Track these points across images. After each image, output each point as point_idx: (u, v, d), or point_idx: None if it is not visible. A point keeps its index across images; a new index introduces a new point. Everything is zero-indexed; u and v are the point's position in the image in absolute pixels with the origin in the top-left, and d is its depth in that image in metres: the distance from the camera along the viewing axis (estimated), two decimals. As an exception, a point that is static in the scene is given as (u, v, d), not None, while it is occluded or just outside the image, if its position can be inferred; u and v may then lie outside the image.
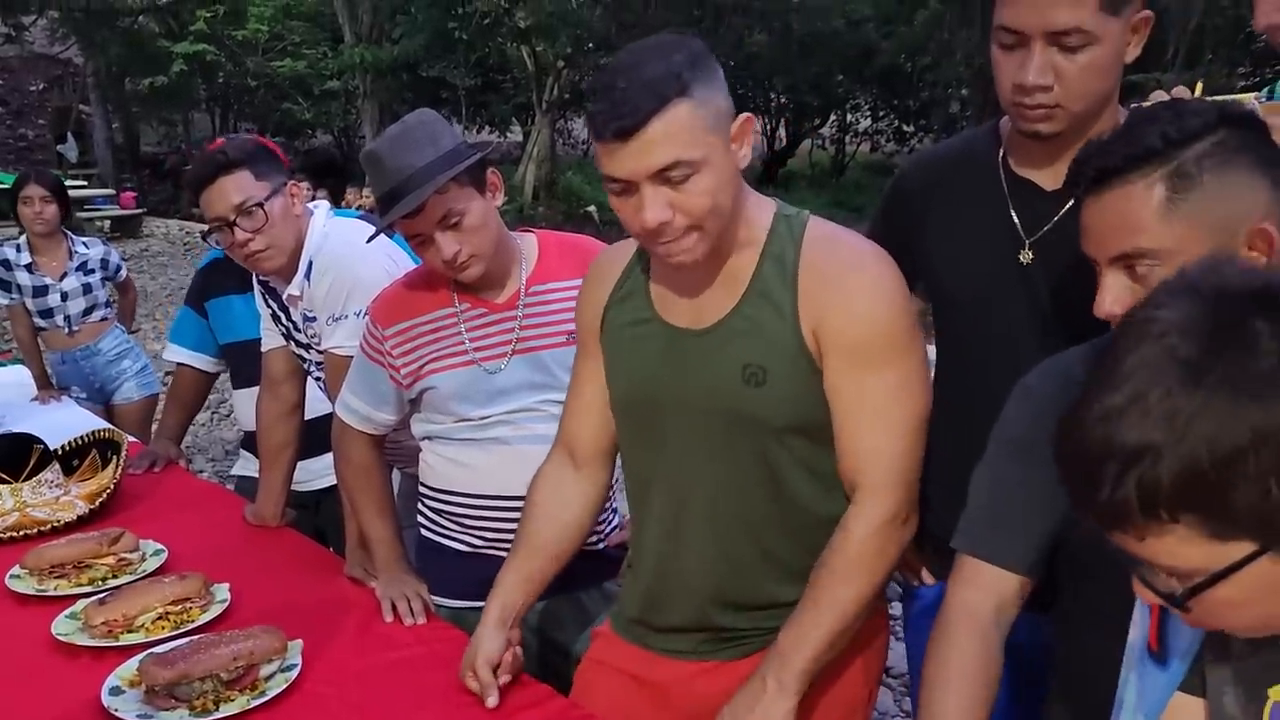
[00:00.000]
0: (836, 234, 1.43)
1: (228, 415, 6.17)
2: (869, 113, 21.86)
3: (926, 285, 1.60)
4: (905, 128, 21.06)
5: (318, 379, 2.30)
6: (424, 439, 1.96)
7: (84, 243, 4.15)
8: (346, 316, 2.05)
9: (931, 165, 1.66)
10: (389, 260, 2.10)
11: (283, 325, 2.26)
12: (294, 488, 2.57)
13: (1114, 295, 1.13)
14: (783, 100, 21.08)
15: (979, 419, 1.33)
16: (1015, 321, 1.48)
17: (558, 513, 1.63)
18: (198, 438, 5.79)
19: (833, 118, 21.70)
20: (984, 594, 1.25)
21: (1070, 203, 1.37)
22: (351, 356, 2.02)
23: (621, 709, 1.56)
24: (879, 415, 1.37)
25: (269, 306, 2.27)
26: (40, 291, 3.94)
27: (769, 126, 20.86)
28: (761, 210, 1.43)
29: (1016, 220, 1.48)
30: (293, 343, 2.26)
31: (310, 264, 2.10)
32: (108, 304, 4.14)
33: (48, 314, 3.99)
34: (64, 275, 3.97)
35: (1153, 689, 0.98)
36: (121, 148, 19.34)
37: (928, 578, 1.68)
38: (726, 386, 1.39)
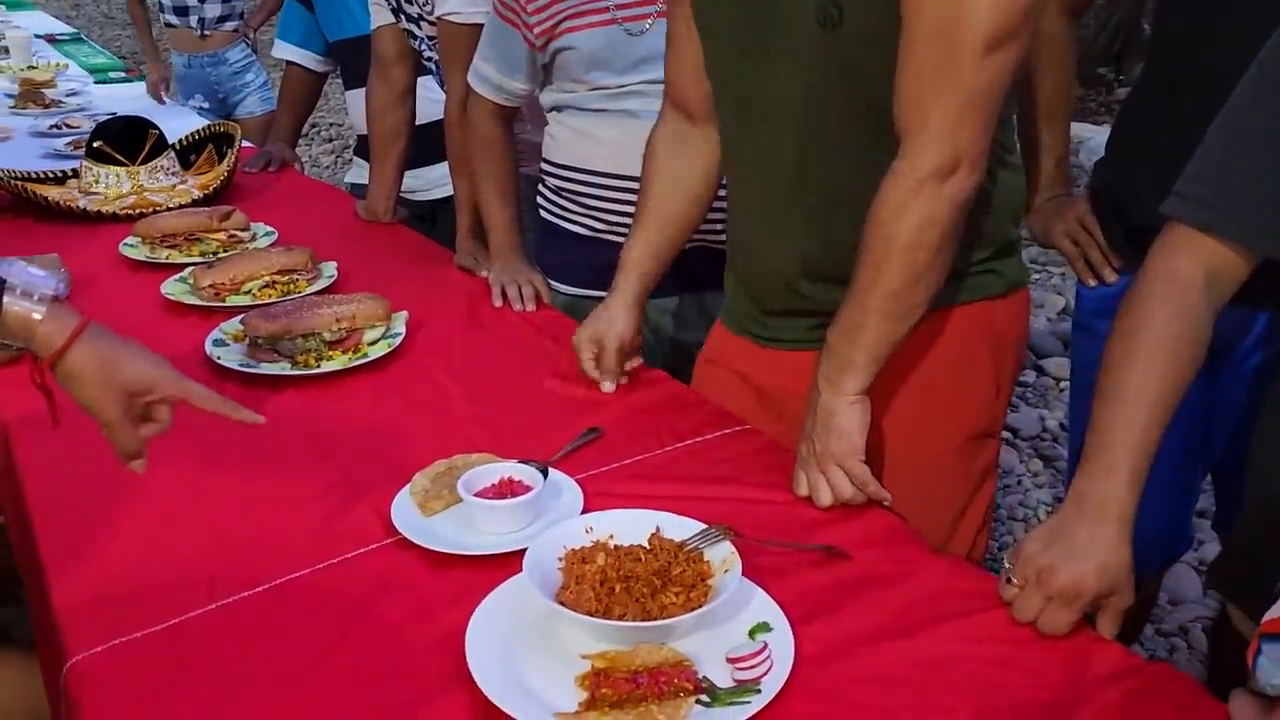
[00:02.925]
0: None
1: (351, 160, 6.14)
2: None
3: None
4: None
5: (428, 59, 2.13)
6: (552, 109, 1.80)
7: None
8: (462, -23, 1.85)
9: None
10: (509, -89, 1.87)
11: (392, -2, 2.07)
12: (410, 196, 2.47)
13: None
14: None
15: (1207, 84, 1.07)
16: None
17: (683, 175, 1.44)
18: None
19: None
20: (1194, 262, 1.02)
21: None
22: (468, 24, 1.84)
23: (735, 405, 1.42)
24: (936, 36, 1.06)
25: (376, -25, 2.08)
26: None
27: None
28: None
29: None
30: (403, 17, 2.08)
31: (421, -83, 1.88)
32: (242, 15, 4.03)
33: (183, 11, 3.89)
34: None
35: None
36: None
37: (1110, 275, 1.46)
38: (804, 36, 1.15)
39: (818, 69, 1.18)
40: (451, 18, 1.88)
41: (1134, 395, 0.99)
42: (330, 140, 6.49)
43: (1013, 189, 1.30)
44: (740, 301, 1.42)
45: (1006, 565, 1.00)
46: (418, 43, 2.11)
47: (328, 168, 5.99)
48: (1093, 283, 1.48)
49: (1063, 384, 3.31)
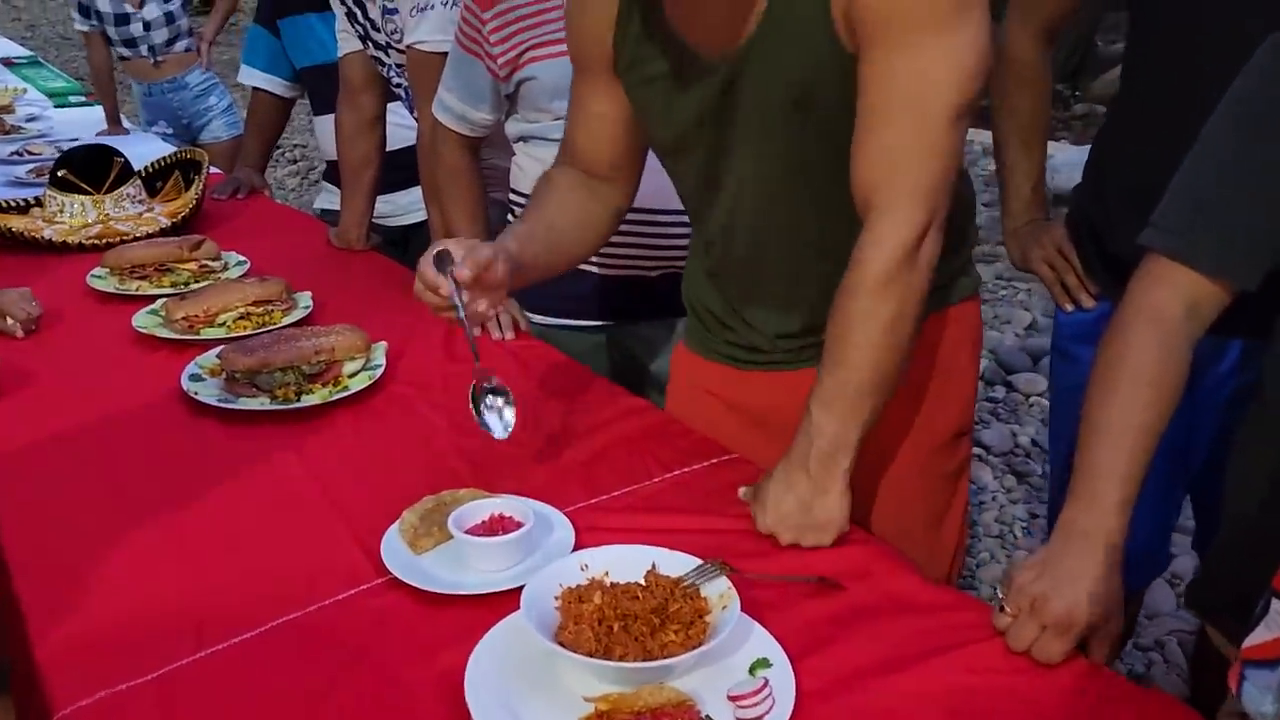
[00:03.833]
0: None
1: (316, 181, 6.10)
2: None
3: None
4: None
5: (398, 86, 2.12)
6: (518, 140, 1.80)
7: None
8: (432, 6, 1.84)
9: None
10: (478, -60, 1.87)
11: (359, 25, 2.06)
12: (381, 221, 2.46)
13: None
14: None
15: (1182, 111, 1.09)
16: None
17: (585, 208, 1.35)
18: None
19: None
20: (1173, 293, 1.04)
21: None
22: (437, 52, 1.84)
23: (719, 433, 1.42)
24: (906, 108, 1.05)
25: (344, 3, 2.07)
26: (122, 20, 3.77)
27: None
28: None
29: None
30: (370, 44, 2.07)
31: (391, -53, 1.88)
32: (190, 33, 3.97)
33: (131, 44, 3.84)
34: (143, 3, 3.79)
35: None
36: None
37: (1087, 300, 1.48)
38: (777, 121, 1.14)
39: (791, 147, 1.16)
40: (421, 46, 1.88)
41: (1119, 425, 1.01)
42: (295, 162, 6.45)
43: (968, 187, 1.31)
44: (716, 333, 1.42)
45: (999, 595, 1.00)
46: (386, 69, 2.10)
47: (293, 190, 5.94)
48: (1069, 308, 1.51)
49: (1032, 399, 3.35)
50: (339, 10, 2.08)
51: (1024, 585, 0.98)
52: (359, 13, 2.03)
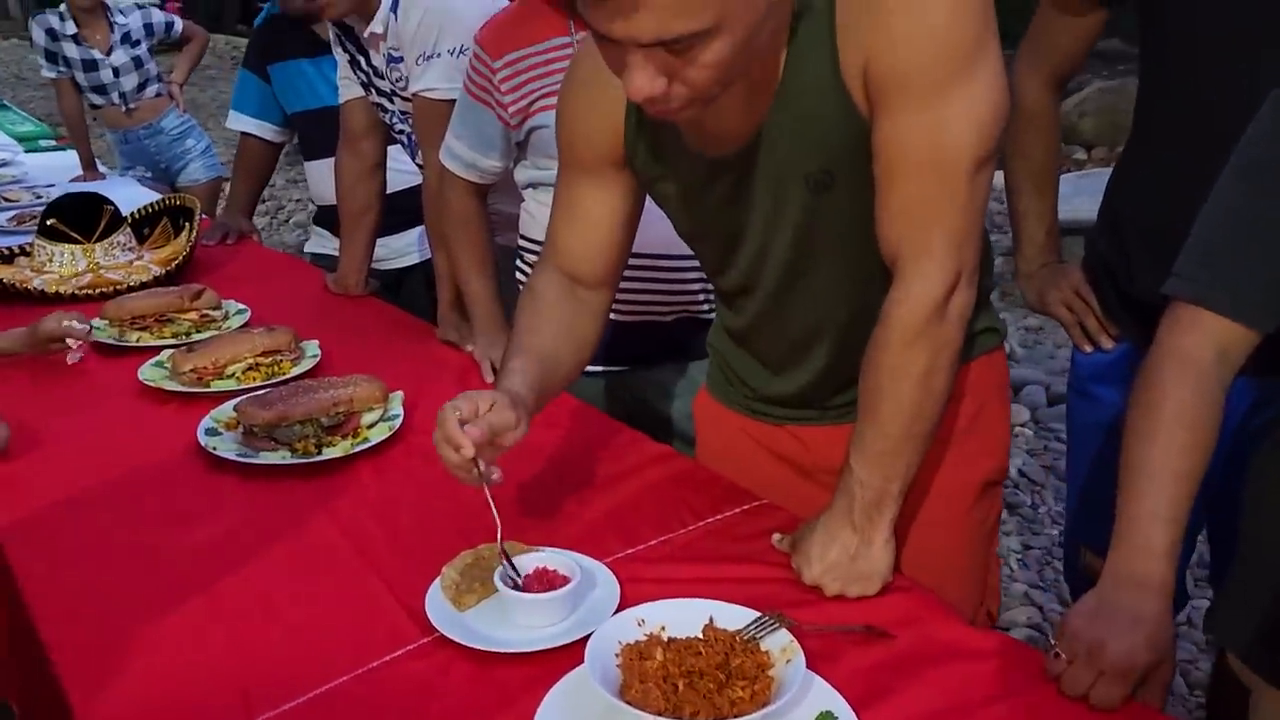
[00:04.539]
0: None
1: (287, 220, 6.06)
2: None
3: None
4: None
5: (400, 133, 2.12)
6: (528, 186, 1.80)
7: (120, 11, 3.84)
8: (439, 55, 1.85)
9: None
10: (484, -11, 1.89)
11: (361, 72, 2.06)
12: (375, 265, 2.45)
13: None
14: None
15: (1199, 154, 1.12)
16: (1262, 37, 1.23)
17: (573, 322, 1.31)
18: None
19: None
20: (1203, 339, 1.07)
21: None
22: (444, 100, 1.84)
23: (749, 475, 1.42)
24: (927, 161, 1.04)
25: (346, 51, 2.07)
26: (90, 66, 3.73)
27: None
28: None
29: None
30: (373, 91, 2.07)
31: (396, -4, 1.88)
32: (160, 78, 3.93)
33: (101, 90, 3.79)
34: (111, 50, 3.75)
35: None
36: (163, -41, 18.69)
37: (1107, 343, 1.51)
38: (794, 203, 1.14)
39: (810, 223, 1.16)
40: (428, 94, 1.88)
41: (1162, 470, 1.03)
42: (264, 201, 6.40)
43: (987, 243, 1.31)
44: (737, 386, 1.41)
45: (1051, 641, 1.01)
46: (388, 116, 2.10)
47: (263, 229, 5.89)
48: (1089, 349, 1.53)
49: (1017, 430, 3.39)
50: (341, 57, 2.08)
51: (1078, 630, 0.99)
52: (362, 60, 2.03)
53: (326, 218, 2.66)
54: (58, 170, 3.64)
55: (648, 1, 0.89)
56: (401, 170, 2.32)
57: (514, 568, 1.12)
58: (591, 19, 0.93)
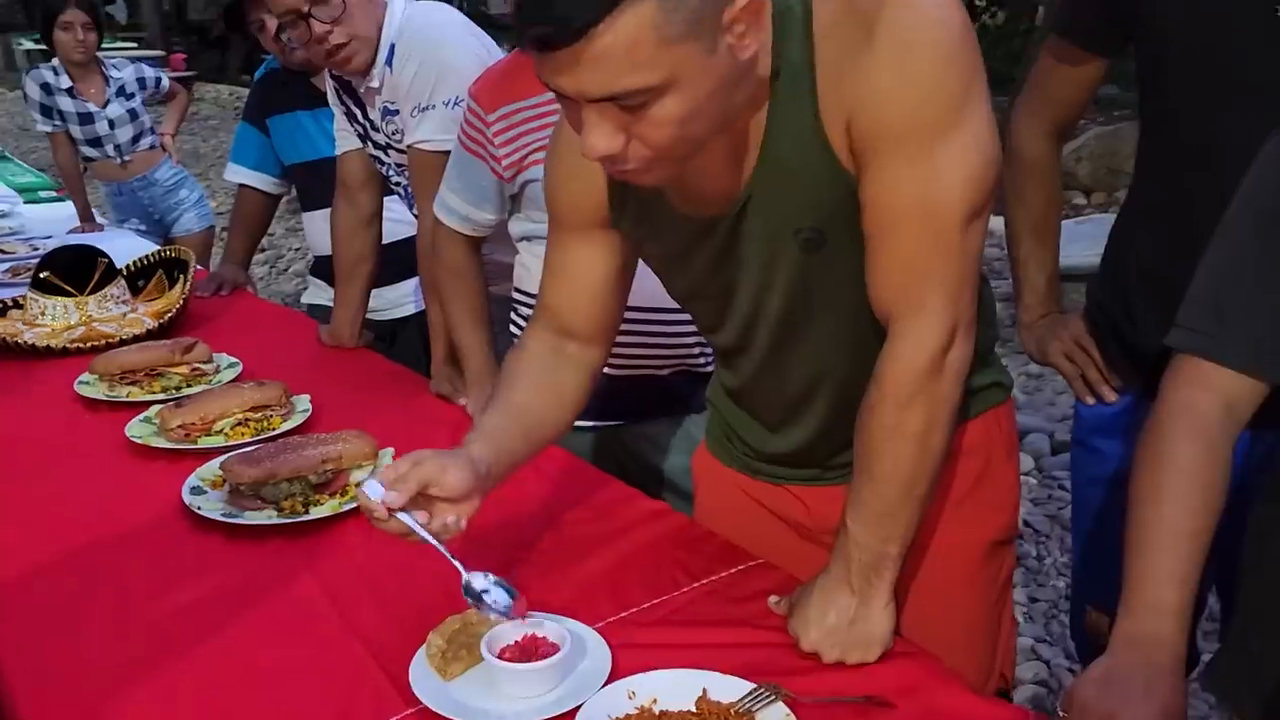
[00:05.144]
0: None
1: (286, 269, 6.07)
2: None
3: (1143, 34, 1.35)
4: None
5: (396, 184, 2.11)
6: (522, 239, 1.79)
7: (113, 64, 3.87)
8: (434, 106, 1.85)
9: None
10: (478, 43, 1.89)
11: (358, 124, 2.06)
12: (370, 315, 2.43)
13: None
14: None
15: (1201, 202, 1.10)
16: (1264, 84, 1.23)
17: (559, 384, 1.29)
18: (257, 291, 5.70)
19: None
20: (1209, 393, 1.04)
21: None
22: (439, 152, 1.83)
23: (749, 534, 1.39)
24: (917, 214, 1.01)
25: (343, 104, 2.07)
26: (86, 119, 3.74)
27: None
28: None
29: None
30: (369, 144, 2.07)
31: (392, 49, 1.88)
32: (153, 130, 3.95)
33: (96, 143, 3.80)
34: (106, 103, 3.77)
35: None
36: (169, 13, 18.97)
37: (1109, 394, 1.48)
38: (786, 262, 1.11)
39: (805, 283, 1.13)
40: (423, 145, 1.88)
41: (1169, 530, 1.00)
42: (263, 250, 6.42)
43: (988, 290, 1.28)
44: (739, 446, 1.39)
45: (1060, 713, 0.97)
46: (385, 168, 2.10)
47: (261, 279, 5.90)
48: (1091, 400, 1.50)
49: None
50: (338, 110, 2.08)
51: (1088, 701, 0.95)
52: (359, 112, 2.03)
53: (323, 268, 2.64)
54: (57, 222, 3.65)
55: (592, 56, 0.87)
56: (397, 221, 2.31)
57: (480, 595, 1.11)
58: (539, 73, 0.92)
